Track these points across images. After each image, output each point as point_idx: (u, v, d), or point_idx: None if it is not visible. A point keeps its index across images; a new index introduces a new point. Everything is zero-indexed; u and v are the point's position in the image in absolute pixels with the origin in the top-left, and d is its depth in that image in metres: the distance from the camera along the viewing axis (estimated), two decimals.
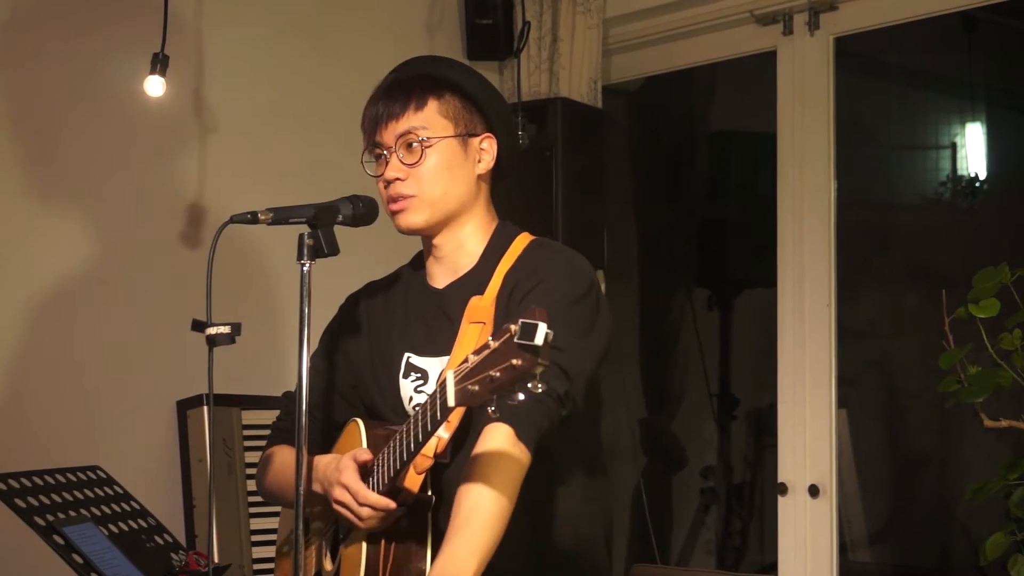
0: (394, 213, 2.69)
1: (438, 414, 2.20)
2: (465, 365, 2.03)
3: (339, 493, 2.50)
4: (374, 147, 2.72)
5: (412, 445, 2.34)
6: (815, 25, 4.71)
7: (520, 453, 2.37)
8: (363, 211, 2.60)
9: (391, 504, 2.45)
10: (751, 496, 6.23)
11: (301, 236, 2.49)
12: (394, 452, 2.41)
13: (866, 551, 5.70)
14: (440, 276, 2.76)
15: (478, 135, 2.71)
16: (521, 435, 2.37)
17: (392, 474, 2.42)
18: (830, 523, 4.58)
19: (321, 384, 2.86)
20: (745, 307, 6.18)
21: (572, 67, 5.08)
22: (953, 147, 5.97)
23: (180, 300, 4.16)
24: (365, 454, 2.52)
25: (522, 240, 2.73)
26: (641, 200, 6.27)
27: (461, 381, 2.03)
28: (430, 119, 2.67)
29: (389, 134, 2.68)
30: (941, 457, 5.80)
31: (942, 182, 6.02)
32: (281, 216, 2.53)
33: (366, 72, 4.77)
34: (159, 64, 4.09)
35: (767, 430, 5.73)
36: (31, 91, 4.14)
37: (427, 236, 2.75)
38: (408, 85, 2.71)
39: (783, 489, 4.68)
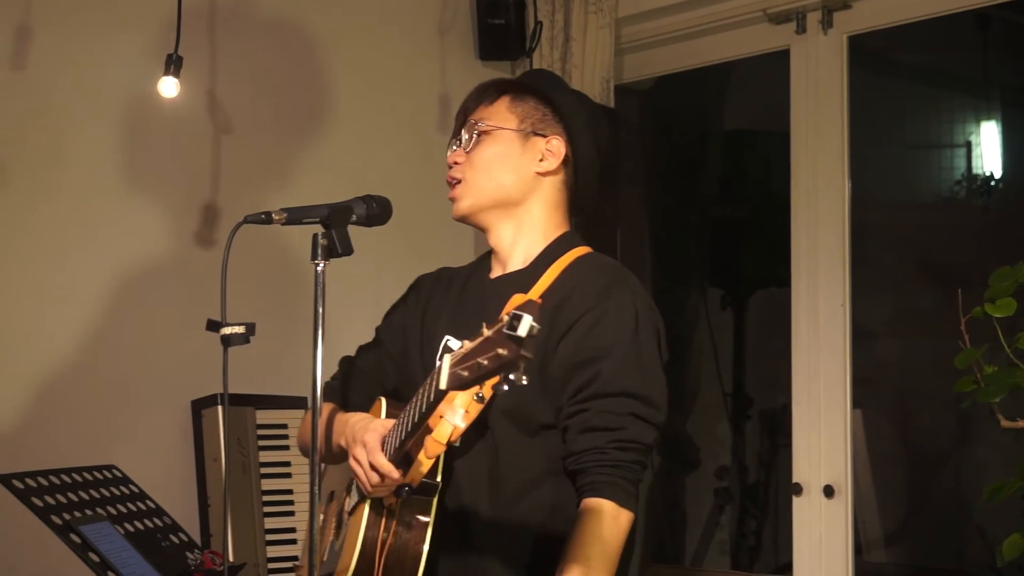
0: (451, 202, 2.76)
1: (431, 396, 2.24)
2: (460, 350, 2.05)
3: (358, 451, 2.53)
4: (455, 138, 2.80)
5: (410, 426, 2.38)
6: (828, 24, 4.70)
7: (623, 520, 2.50)
8: (377, 211, 2.61)
9: (395, 473, 2.47)
10: (765, 496, 6.22)
11: (315, 236, 2.49)
12: (403, 422, 2.45)
13: (881, 552, 5.68)
14: (496, 269, 2.81)
15: (546, 136, 2.74)
16: (622, 503, 2.50)
17: (395, 448, 2.45)
18: (845, 523, 4.57)
19: (377, 351, 2.92)
20: (759, 306, 6.16)
21: (584, 67, 5.08)
22: (968, 146, 5.94)
23: (194, 300, 4.16)
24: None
25: (578, 251, 2.75)
26: (654, 199, 6.26)
27: (454, 365, 2.05)
28: (496, 112, 2.74)
29: (463, 126, 2.76)
30: (957, 458, 5.78)
31: (957, 181, 6.00)
32: (295, 216, 2.53)
33: (379, 72, 4.84)
34: (173, 65, 4.10)
35: (781, 430, 5.71)
36: (45, 92, 4.15)
37: (481, 229, 2.79)
38: (494, 84, 2.80)
39: (798, 489, 4.67)
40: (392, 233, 2.78)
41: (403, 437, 2.42)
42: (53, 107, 4.17)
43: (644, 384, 2.57)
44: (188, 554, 3.21)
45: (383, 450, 2.49)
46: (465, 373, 2.01)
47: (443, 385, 2.08)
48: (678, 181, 6.60)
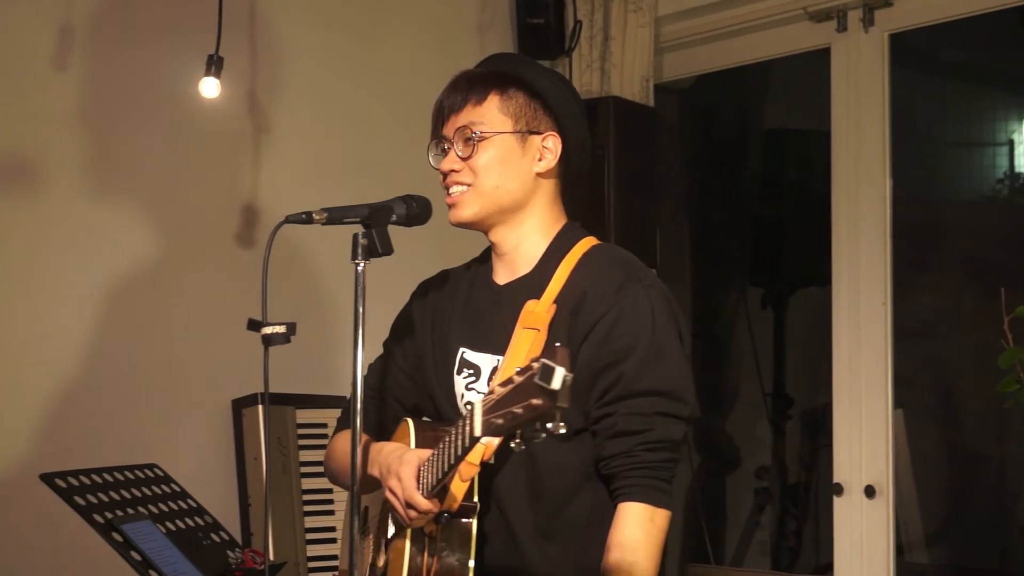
0: (449, 207, 2.70)
1: (467, 440, 2.20)
2: (491, 396, 2.03)
3: (393, 483, 2.51)
4: (438, 139, 2.74)
5: (446, 466, 2.34)
6: (869, 21, 4.68)
7: (660, 520, 2.51)
8: (417, 211, 2.60)
9: (432, 509, 2.46)
10: (806, 496, 6.20)
11: (355, 236, 2.49)
12: (437, 462, 2.41)
13: (923, 552, 5.65)
14: (502, 273, 2.76)
15: (541, 133, 2.70)
16: (656, 503, 2.50)
17: (430, 488, 2.43)
18: (886, 524, 4.55)
19: (390, 366, 2.89)
20: (799, 306, 6.14)
21: (624, 66, 5.07)
22: (1010, 144, 5.90)
23: (235, 300, 4.17)
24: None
25: (584, 245, 2.72)
26: (694, 199, 6.26)
27: (487, 413, 2.03)
28: (488, 114, 2.67)
29: (450, 127, 2.70)
30: (1000, 457, 5.74)
31: (999, 179, 5.96)
32: (335, 216, 2.53)
33: (418, 72, 4.84)
34: (214, 66, 4.12)
35: (822, 430, 5.69)
36: (90, 94, 4.17)
37: (482, 232, 2.75)
38: (473, 80, 2.72)
39: (839, 489, 4.65)
40: (432, 233, 2.78)
41: (440, 476, 2.39)
42: (95, 108, 4.19)
43: (668, 379, 2.55)
44: (229, 553, 3.22)
45: (419, 483, 2.47)
46: (500, 421, 2.00)
47: (478, 433, 2.06)
48: (718, 180, 6.59)
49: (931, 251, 5.85)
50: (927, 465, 5.59)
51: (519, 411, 1.96)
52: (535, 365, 1.94)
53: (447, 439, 2.34)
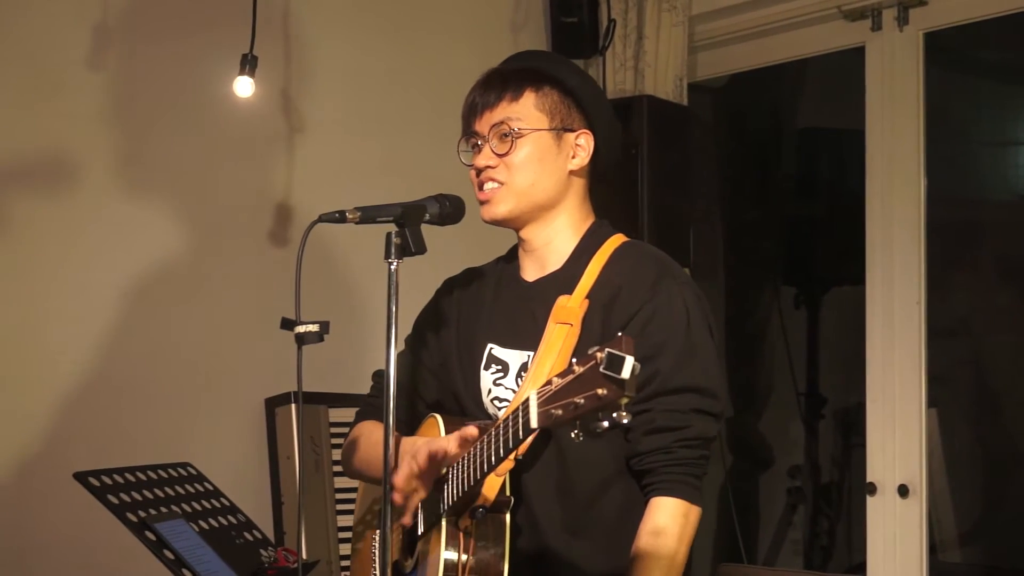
0: (482, 203, 2.70)
1: (520, 433, 2.19)
2: (548, 388, 2.02)
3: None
4: (470, 136, 2.74)
5: (493, 458, 2.33)
6: (904, 20, 4.66)
7: (693, 517, 2.54)
8: (450, 210, 2.61)
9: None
10: (839, 496, 6.18)
11: (388, 235, 2.49)
12: (474, 461, 2.40)
13: (956, 552, 5.62)
14: (531, 270, 2.77)
15: (574, 131, 2.70)
16: (691, 500, 2.53)
17: (472, 483, 2.42)
18: (920, 523, 4.53)
19: (412, 362, 2.89)
20: (833, 305, 6.12)
21: (658, 64, 5.06)
22: None
23: (269, 298, 4.19)
24: (459, 444, 2.49)
25: (614, 241, 2.73)
26: (727, 198, 6.23)
27: (544, 404, 2.02)
28: (525, 110, 2.68)
29: (484, 123, 2.70)
30: None
31: None
32: (369, 215, 2.53)
33: (451, 71, 4.84)
34: (248, 65, 4.13)
35: (855, 429, 5.67)
36: (124, 93, 4.19)
37: (514, 229, 2.75)
38: (507, 76, 2.73)
39: (872, 489, 4.63)
40: (465, 232, 2.78)
41: (478, 476, 2.39)
42: (129, 107, 4.21)
43: (703, 377, 2.57)
44: (262, 552, 3.23)
45: (448, 487, 2.49)
46: (559, 412, 1.99)
47: (535, 424, 2.06)
48: (751, 179, 6.57)
49: (965, 250, 5.81)
50: (960, 464, 5.56)
51: (580, 401, 1.95)
52: (599, 355, 1.93)
53: (494, 431, 2.33)
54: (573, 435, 2.02)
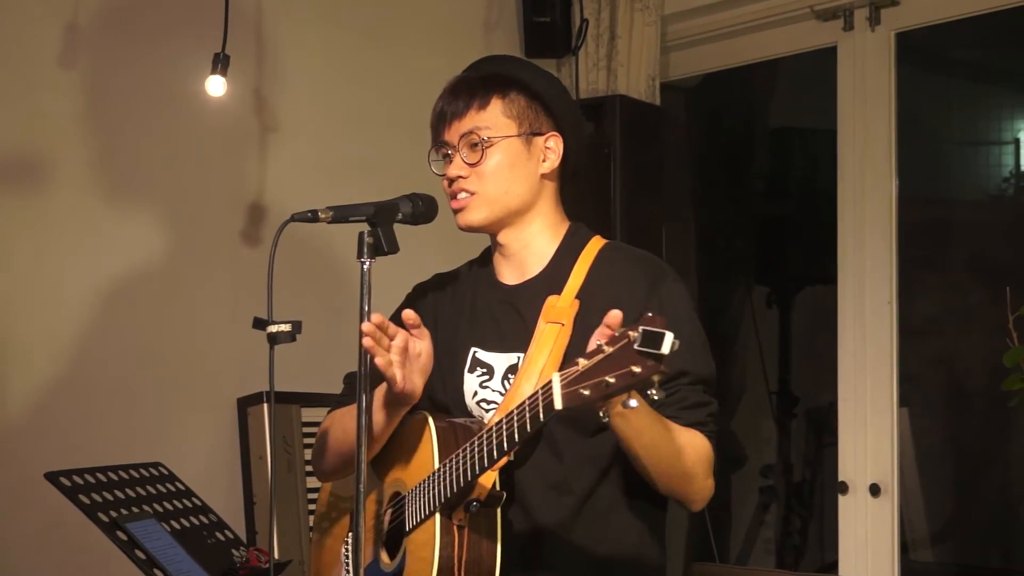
0: (456, 211, 2.70)
1: (541, 415, 2.15)
2: (575, 368, 2.02)
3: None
4: (440, 146, 2.73)
5: (505, 444, 2.29)
6: (876, 20, 4.67)
7: (710, 481, 2.62)
8: (423, 209, 2.61)
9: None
10: (811, 495, 6.20)
11: (361, 234, 2.49)
12: (480, 450, 2.38)
13: (928, 550, 5.65)
14: (509, 274, 2.77)
15: (543, 134, 2.70)
16: (712, 470, 2.60)
17: (477, 471, 2.39)
18: (891, 522, 4.55)
19: None
20: (805, 304, 6.14)
21: (630, 64, 5.07)
22: (1016, 143, 5.90)
23: (241, 298, 4.19)
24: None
25: (596, 243, 2.74)
26: (700, 197, 6.25)
27: (571, 384, 2.02)
28: (493, 118, 2.67)
29: (453, 133, 2.68)
30: (1005, 456, 5.74)
31: (1005, 178, 5.95)
32: (341, 214, 2.53)
33: (425, 70, 4.82)
34: (220, 64, 4.12)
35: (827, 428, 5.69)
36: (96, 92, 4.18)
37: (491, 234, 2.75)
38: (473, 84, 2.71)
39: (844, 488, 4.65)
40: (438, 232, 2.78)
41: (485, 464, 2.36)
42: (101, 106, 4.20)
43: (709, 368, 2.64)
44: (234, 551, 3.23)
45: (447, 480, 2.46)
46: (587, 392, 1.99)
47: (559, 404, 2.05)
48: (724, 179, 6.58)
49: (936, 250, 5.84)
50: (932, 463, 5.59)
51: (612, 380, 1.96)
52: (631, 334, 1.94)
53: (505, 419, 2.30)
54: (601, 413, 2.05)
